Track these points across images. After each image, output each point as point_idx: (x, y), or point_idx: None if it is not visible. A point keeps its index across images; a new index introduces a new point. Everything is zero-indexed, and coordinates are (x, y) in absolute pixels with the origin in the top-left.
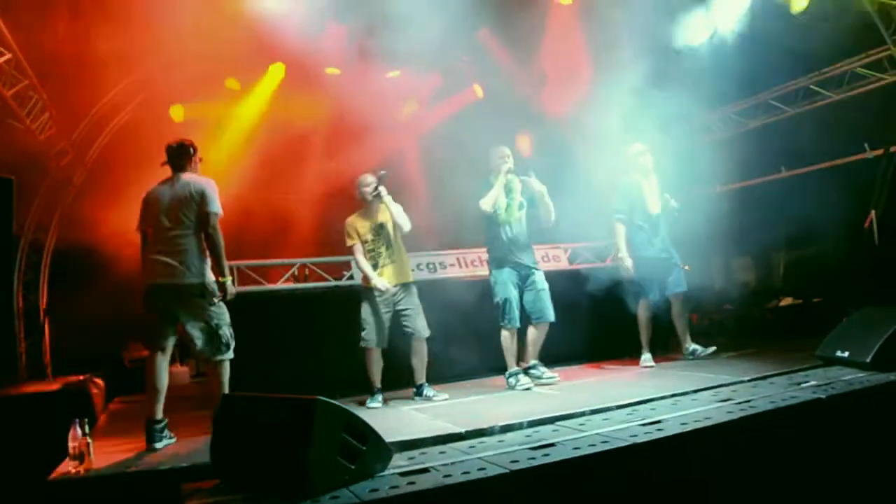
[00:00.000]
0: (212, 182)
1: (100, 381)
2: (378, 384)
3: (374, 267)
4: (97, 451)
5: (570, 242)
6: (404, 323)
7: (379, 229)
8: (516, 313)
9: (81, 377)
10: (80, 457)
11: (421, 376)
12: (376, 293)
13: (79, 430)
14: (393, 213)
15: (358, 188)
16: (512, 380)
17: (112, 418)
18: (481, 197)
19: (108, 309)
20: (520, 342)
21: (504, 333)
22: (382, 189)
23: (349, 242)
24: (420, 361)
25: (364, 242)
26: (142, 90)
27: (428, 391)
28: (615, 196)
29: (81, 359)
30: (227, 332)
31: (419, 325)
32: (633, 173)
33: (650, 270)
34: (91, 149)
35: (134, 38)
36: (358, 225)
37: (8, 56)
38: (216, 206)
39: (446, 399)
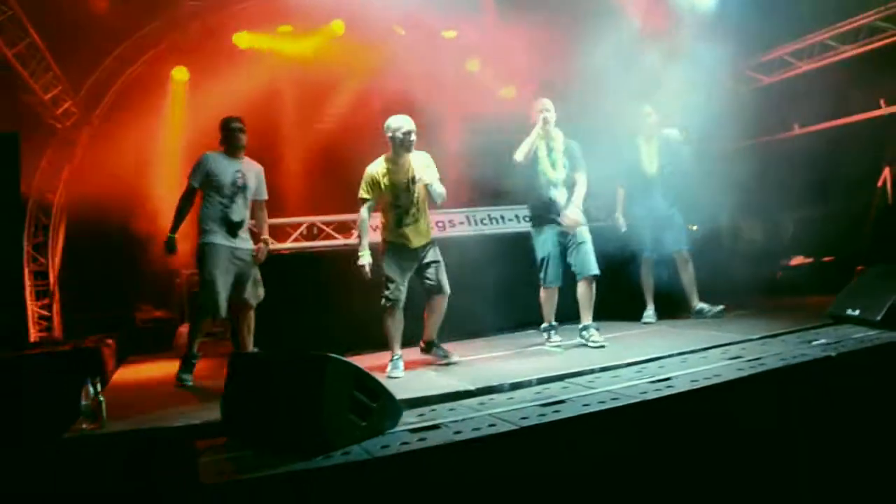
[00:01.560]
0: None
1: (111, 342)
2: (398, 350)
3: (399, 225)
4: (110, 410)
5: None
6: (427, 277)
7: (409, 184)
8: (554, 272)
9: (92, 338)
10: (93, 415)
11: (434, 333)
12: (399, 248)
13: (91, 389)
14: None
15: (393, 132)
16: (544, 335)
17: (124, 377)
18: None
19: (117, 270)
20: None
21: (541, 292)
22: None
23: (362, 195)
24: (438, 318)
25: (388, 197)
26: (149, 47)
27: (440, 350)
28: (618, 156)
29: (92, 320)
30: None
31: (443, 279)
32: (636, 134)
33: (642, 228)
34: (97, 108)
35: None
36: (382, 177)
37: (9, 13)
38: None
39: (457, 361)
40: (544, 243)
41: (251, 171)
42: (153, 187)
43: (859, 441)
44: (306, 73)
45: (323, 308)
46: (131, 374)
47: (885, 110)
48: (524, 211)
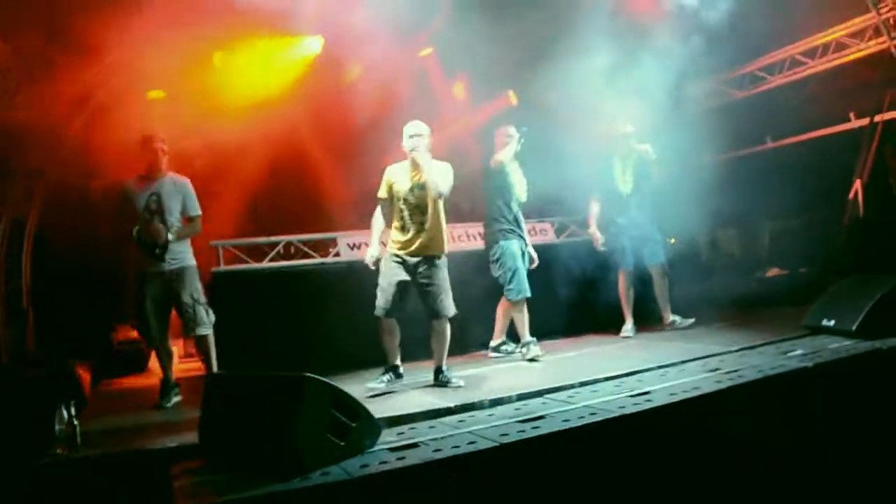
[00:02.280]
0: None
1: (87, 365)
2: (393, 360)
3: (399, 231)
4: (85, 434)
5: (557, 216)
6: (421, 297)
7: (413, 189)
8: (526, 283)
9: (68, 361)
10: (68, 440)
11: (438, 359)
12: (393, 257)
13: (65, 414)
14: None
15: (404, 136)
16: (524, 349)
17: (99, 401)
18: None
19: (93, 292)
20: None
21: (516, 305)
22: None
23: (379, 194)
24: (438, 343)
25: (398, 201)
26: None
27: (447, 375)
28: (594, 172)
29: (67, 342)
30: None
31: (436, 303)
32: (614, 152)
33: (619, 242)
34: (70, 130)
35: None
36: (392, 179)
37: None
38: None
39: (461, 386)
40: (515, 256)
41: (170, 191)
42: None
43: (836, 450)
44: (280, 93)
45: (301, 326)
46: (107, 396)
47: (854, 123)
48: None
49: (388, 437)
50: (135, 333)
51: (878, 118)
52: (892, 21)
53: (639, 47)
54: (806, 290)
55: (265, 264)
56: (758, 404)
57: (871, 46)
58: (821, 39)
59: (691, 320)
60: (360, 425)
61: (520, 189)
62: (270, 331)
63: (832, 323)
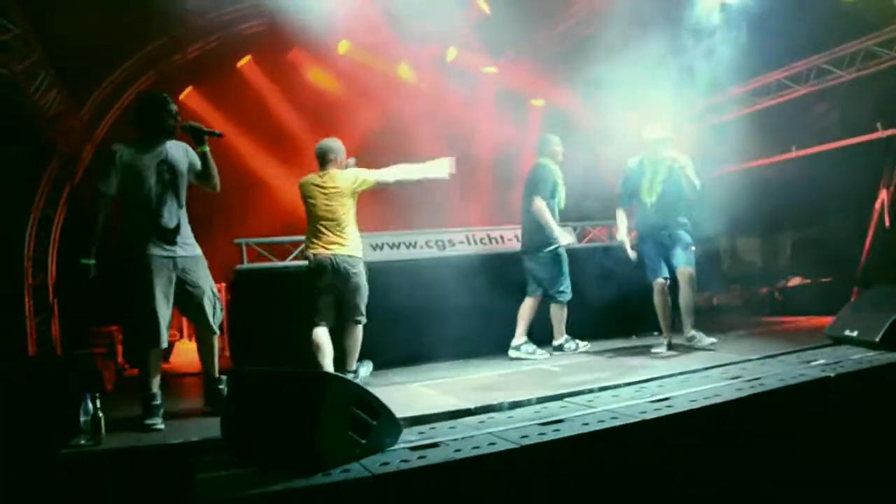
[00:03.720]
0: None
1: (110, 359)
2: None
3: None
4: (108, 426)
5: (578, 221)
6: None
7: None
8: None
9: (91, 352)
10: (92, 431)
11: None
12: None
13: (90, 405)
14: None
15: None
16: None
17: (122, 393)
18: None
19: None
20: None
21: (563, 308)
22: None
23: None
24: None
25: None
26: (149, 67)
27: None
28: (620, 179)
29: (91, 335)
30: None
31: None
32: (643, 156)
33: (647, 251)
34: (100, 126)
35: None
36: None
37: (16, 31)
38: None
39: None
40: (566, 259)
41: (179, 157)
42: None
43: (857, 461)
44: (314, 97)
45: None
46: (129, 389)
47: (881, 133)
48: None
49: (409, 437)
50: None
51: None
52: None
53: (666, 55)
54: (828, 299)
55: (289, 262)
56: (779, 413)
57: None
58: (850, 49)
59: (713, 340)
60: (381, 424)
61: (562, 193)
62: (293, 329)
63: (855, 333)
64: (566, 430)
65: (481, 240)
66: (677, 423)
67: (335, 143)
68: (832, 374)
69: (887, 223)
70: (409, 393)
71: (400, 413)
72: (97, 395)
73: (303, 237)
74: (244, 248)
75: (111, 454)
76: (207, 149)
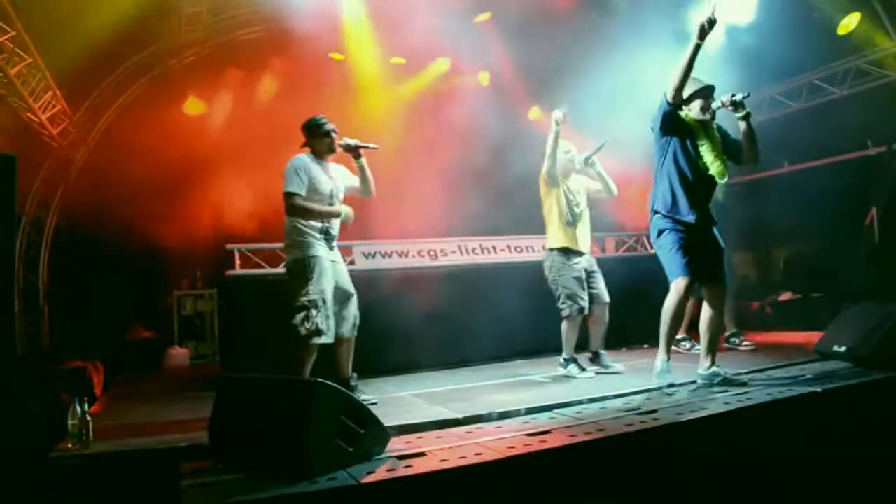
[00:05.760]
0: (289, 162)
1: (100, 363)
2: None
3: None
4: (96, 430)
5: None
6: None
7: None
8: None
9: (81, 357)
10: (80, 435)
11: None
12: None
13: (78, 409)
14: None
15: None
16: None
17: (112, 398)
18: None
19: (108, 289)
20: None
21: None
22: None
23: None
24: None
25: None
26: (145, 72)
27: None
28: None
29: (81, 339)
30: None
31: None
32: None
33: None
34: (94, 129)
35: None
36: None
37: (11, 34)
38: (287, 185)
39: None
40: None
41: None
42: (149, 209)
43: (844, 476)
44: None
45: None
46: (119, 394)
47: (872, 150)
48: (515, 241)
49: (397, 445)
50: (147, 334)
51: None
52: None
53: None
54: (819, 314)
55: (281, 269)
56: (766, 427)
57: (892, 74)
58: (842, 66)
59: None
60: (368, 432)
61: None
62: (284, 335)
63: (843, 349)
64: (552, 442)
65: (473, 250)
66: (664, 436)
67: None
68: (819, 390)
69: (877, 239)
70: (398, 402)
71: (388, 422)
72: (86, 399)
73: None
74: (236, 253)
75: (98, 458)
76: (364, 161)
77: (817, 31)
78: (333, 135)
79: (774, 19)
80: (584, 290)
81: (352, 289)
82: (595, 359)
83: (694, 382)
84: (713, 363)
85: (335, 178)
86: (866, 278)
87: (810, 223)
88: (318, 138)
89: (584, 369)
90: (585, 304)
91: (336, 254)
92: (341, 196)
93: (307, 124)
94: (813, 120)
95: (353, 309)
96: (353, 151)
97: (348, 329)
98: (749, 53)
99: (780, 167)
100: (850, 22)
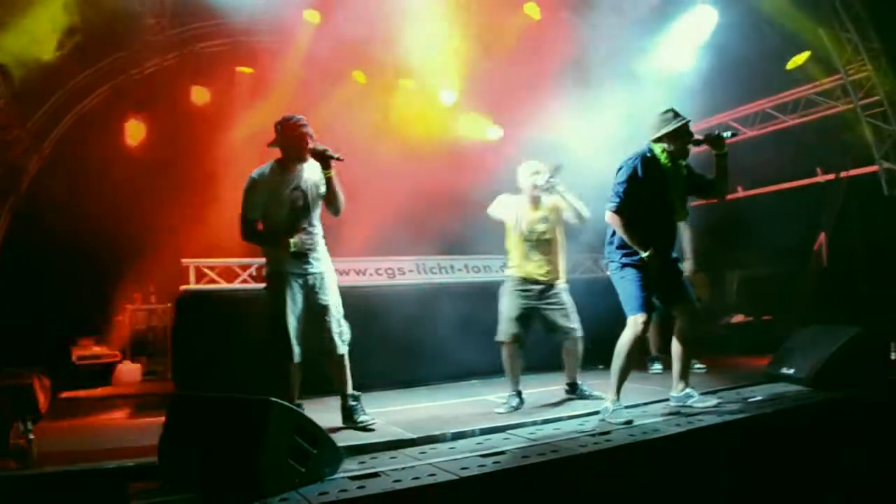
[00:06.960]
0: (248, 178)
1: (46, 378)
2: (517, 385)
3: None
4: (39, 449)
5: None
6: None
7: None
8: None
9: (25, 372)
10: (22, 454)
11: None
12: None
13: (21, 427)
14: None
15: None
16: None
17: (57, 415)
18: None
19: (60, 302)
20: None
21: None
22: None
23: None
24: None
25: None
26: (106, 81)
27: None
28: None
29: (29, 352)
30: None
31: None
32: None
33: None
34: (49, 137)
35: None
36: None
37: None
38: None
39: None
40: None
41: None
42: (103, 222)
43: (794, 496)
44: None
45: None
46: (65, 411)
47: (821, 178)
48: (473, 261)
49: (350, 466)
50: (97, 349)
51: (843, 174)
52: (858, 83)
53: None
54: (769, 337)
55: (236, 285)
56: (715, 448)
57: (839, 105)
58: (792, 96)
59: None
60: (321, 452)
61: None
62: (239, 353)
63: (792, 371)
64: (506, 462)
65: (432, 269)
66: (616, 457)
67: None
68: (769, 411)
69: (825, 264)
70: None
71: (341, 442)
72: (29, 417)
73: (251, 260)
74: (192, 268)
75: (41, 478)
76: (333, 173)
77: (770, 61)
78: (308, 140)
79: (726, 48)
80: (523, 319)
81: (329, 300)
82: (572, 390)
83: (646, 404)
84: (687, 384)
85: (308, 179)
86: (815, 302)
87: (762, 247)
88: (291, 140)
89: (515, 408)
90: (517, 332)
91: (316, 265)
92: (318, 201)
93: (282, 121)
94: (765, 147)
95: (330, 323)
96: (323, 160)
97: (328, 343)
98: (704, 80)
99: (734, 192)
100: (799, 59)
